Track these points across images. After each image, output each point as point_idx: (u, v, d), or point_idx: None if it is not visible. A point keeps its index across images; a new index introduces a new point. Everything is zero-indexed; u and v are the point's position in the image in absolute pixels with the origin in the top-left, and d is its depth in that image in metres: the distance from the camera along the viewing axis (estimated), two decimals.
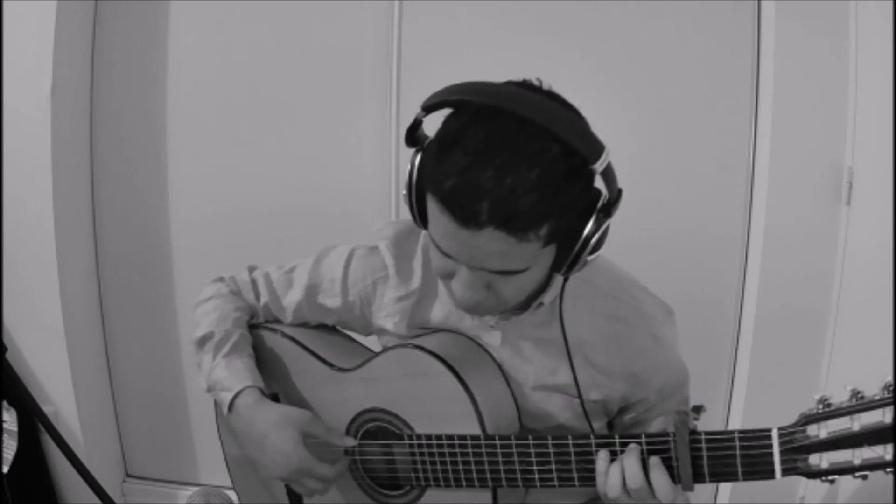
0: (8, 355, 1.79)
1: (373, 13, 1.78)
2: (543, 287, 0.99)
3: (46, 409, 1.81)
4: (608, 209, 0.84)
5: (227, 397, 1.07)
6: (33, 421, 1.79)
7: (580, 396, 0.98)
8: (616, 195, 0.84)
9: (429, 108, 0.84)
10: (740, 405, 1.68)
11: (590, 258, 0.85)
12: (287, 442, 1.02)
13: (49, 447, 1.86)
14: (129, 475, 2.14)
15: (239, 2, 1.83)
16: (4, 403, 1.73)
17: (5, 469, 1.65)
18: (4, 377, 1.72)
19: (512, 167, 0.76)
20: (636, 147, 1.69)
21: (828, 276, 1.57)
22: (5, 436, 1.68)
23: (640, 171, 1.70)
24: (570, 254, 0.84)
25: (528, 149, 0.77)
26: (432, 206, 0.83)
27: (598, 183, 0.83)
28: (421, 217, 0.88)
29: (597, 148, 0.79)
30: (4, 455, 1.67)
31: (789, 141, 1.57)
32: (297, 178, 1.87)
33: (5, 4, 1.72)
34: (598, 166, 0.79)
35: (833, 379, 1.58)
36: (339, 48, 1.81)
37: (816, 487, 1.55)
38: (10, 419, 1.73)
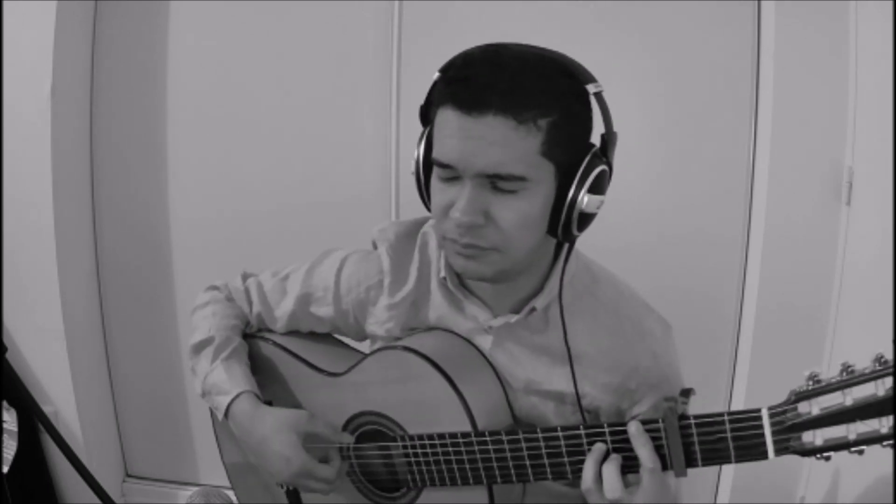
0: (8, 355, 1.79)
1: (373, 13, 1.78)
2: (539, 289, 0.99)
3: (46, 409, 1.80)
4: (605, 150, 0.88)
5: (223, 401, 1.06)
6: (33, 421, 1.79)
7: (580, 406, 0.97)
8: (610, 134, 0.88)
9: (444, 69, 0.90)
10: (740, 405, 1.68)
11: (586, 204, 0.86)
12: (287, 446, 1.01)
13: (49, 447, 1.86)
14: (129, 475, 2.14)
15: (239, 2, 1.83)
16: (4, 403, 1.73)
17: (5, 469, 1.65)
18: (4, 377, 1.72)
19: (520, 71, 0.84)
20: (636, 147, 1.69)
21: (828, 276, 1.57)
22: (5, 436, 1.68)
23: (640, 171, 1.70)
24: (565, 197, 0.86)
25: (534, 63, 0.85)
26: (440, 118, 0.87)
27: (596, 115, 0.89)
28: (428, 195, 0.93)
29: (589, 75, 0.88)
30: (4, 455, 1.67)
31: (789, 141, 1.57)
32: (297, 178, 1.87)
33: (5, 4, 1.72)
34: (593, 87, 0.86)
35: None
36: (339, 48, 1.81)
37: (816, 488, 1.55)
38: (10, 419, 1.73)
